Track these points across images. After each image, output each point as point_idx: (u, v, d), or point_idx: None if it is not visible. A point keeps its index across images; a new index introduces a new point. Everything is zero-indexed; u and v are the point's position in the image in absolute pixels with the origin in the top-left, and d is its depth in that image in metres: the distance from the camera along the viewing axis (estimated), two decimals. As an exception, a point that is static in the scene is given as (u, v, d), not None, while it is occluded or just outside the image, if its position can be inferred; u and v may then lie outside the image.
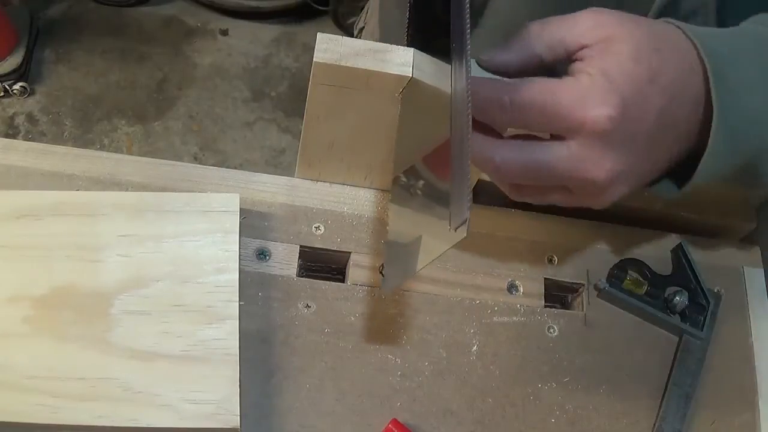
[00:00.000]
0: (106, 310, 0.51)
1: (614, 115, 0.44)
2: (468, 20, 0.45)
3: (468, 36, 0.45)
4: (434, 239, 0.51)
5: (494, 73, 0.49)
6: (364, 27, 1.00)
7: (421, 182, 0.52)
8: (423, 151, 0.57)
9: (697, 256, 0.64)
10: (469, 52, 0.45)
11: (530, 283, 0.63)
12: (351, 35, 0.94)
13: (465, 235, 0.42)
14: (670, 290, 0.62)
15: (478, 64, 0.49)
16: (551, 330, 0.61)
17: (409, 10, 0.51)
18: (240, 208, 0.56)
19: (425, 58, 0.50)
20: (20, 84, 1.79)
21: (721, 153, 0.48)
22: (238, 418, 0.49)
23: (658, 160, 0.49)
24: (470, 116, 0.43)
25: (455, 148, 0.45)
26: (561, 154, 0.46)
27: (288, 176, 0.63)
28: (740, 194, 0.71)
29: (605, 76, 0.45)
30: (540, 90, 0.45)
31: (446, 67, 0.50)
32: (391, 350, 0.58)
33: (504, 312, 0.61)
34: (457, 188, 0.44)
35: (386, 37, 0.85)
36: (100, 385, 0.48)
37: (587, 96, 0.45)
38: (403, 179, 0.52)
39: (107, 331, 0.50)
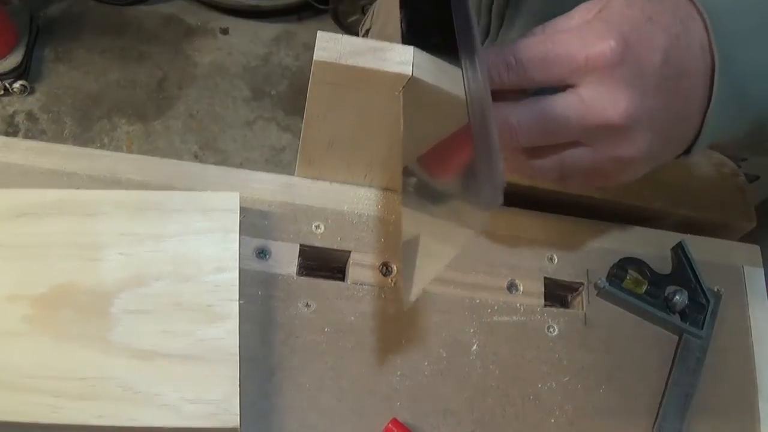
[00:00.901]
0: (105, 309, 0.51)
1: (615, 46, 0.43)
2: (471, 13, 0.45)
3: (475, 27, 0.45)
4: (445, 242, 0.50)
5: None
6: (370, 28, 0.99)
7: (424, 183, 0.52)
8: (424, 149, 0.57)
9: (697, 255, 0.64)
10: (477, 42, 0.45)
11: (530, 282, 0.63)
12: (351, 34, 0.94)
13: (498, 205, 0.41)
14: (669, 289, 0.62)
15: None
16: (551, 329, 0.61)
17: (401, 7, 0.51)
18: (240, 207, 0.56)
19: (425, 56, 0.50)
20: (20, 82, 1.79)
21: (727, 105, 0.47)
22: (238, 417, 0.49)
23: (677, 112, 0.47)
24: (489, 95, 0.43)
25: (477, 126, 0.45)
26: (571, 100, 0.45)
27: (288, 175, 0.63)
28: (740, 194, 0.71)
29: (601, 19, 0.45)
30: (540, 40, 0.46)
31: (445, 64, 0.50)
32: (391, 350, 0.57)
33: (504, 311, 0.61)
34: (485, 162, 0.43)
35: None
36: (100, 384, 0.48)
37: (586, 36, 0.44)
38: (413, 181, 0.52)
39: (107, 330, 0.50)
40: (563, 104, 0.45)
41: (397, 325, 0.58)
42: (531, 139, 0.47)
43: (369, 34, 0.99)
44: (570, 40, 0.45)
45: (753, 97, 0.48)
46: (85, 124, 1.82)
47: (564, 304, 0.65)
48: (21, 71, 1.79)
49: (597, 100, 0.45)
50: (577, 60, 0.44)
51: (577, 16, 0.48)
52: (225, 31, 2.02)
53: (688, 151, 0.50)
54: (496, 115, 0.46)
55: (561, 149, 0.48)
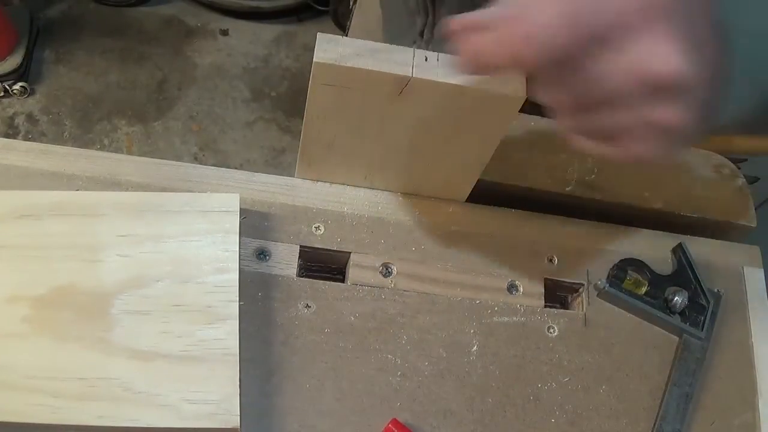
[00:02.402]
0: (106, 310, 0.51)
1: None
2: None
3: None
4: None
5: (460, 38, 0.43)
6: (350, 22, 0.99)
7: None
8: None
9: (697, 256, 0.64)
10: None
11: (530, 283, 0.63)
12: (351, 35, 0.94)
13: None
14: (670, 290, 0.62)
15: (451, 27, 0.44)
16: (551, 330, 0.61)
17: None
18: (240, 208, 0.56)
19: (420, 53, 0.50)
20: (20, 84, 1.79)
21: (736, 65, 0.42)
22: (238, 418, 0.49)
23: (720, 65, 0.41)
24: None
25: None
26: (616, 57, 0.39)
27: (288, 176, 0.63)
28: (740, 195, 0.71)
29: None
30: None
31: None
32: (391, 350, 0.58)
33: (504, 312, 0.61)
34: None
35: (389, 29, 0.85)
36: (100, 385, 0.48)
37: None
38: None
39: (107, 330, 0.50)
40: (608, 59, 0.39)
41: (397, 326, 0.58)
42: (553, 46, 0.39)
43: (350, 28, 0.98)
44: None
45: (757, 60, 0.44)
46: (85, 126, 1.82)
47: (564, 304, 0.65)
48: (21, 73, 1.79)
49: (647, 54, 0.38)
50: (619, 16, 0.38)
51: None
52: (225, 33, 2.02)
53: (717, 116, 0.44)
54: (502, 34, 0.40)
55: (597, 110, 0.42)
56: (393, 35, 0.58)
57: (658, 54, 0.38)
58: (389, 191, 0.64)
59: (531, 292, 0.62)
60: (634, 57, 0.38)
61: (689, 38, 0.39)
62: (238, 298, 0.53)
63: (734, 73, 0.42)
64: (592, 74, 0.40)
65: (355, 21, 0.98)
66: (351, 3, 1.04)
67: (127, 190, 0.59)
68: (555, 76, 0.41)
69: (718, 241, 0.68)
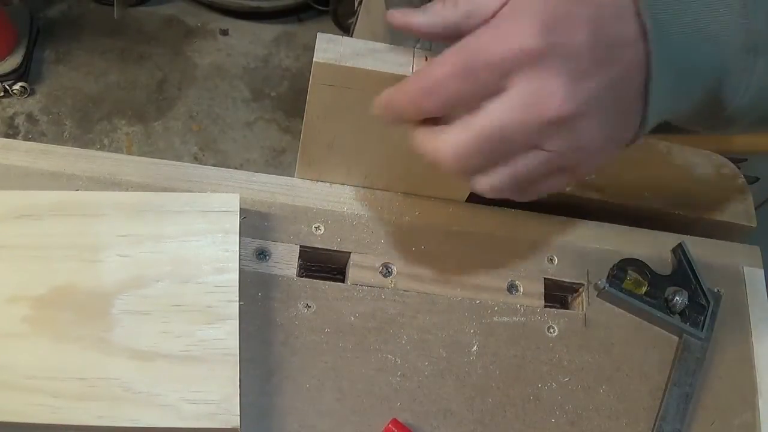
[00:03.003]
0: (106, 310, 0.51)
1: (536, 32, 0.40)
2: None
3: None
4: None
5: (402, 31, 0.46)
6: (356, 22, 0.99)
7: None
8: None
9: (697, 256, 0.64)
10: None
11: (530, 283, 0.63)
12: (351, 35, 0.94)
13: None
14: (670, 290, 0.62)
15: (389, 19, 0.46)
16: (551, 330, 0.61)
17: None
18: (240, 208, 0.56)
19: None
20: (20, 84, 1.79)
21: (670, 72, 0.43)
22: (238, 418, 0.49)
23: (619, 83, 0.43)
24: None
25: None
26: (507, 105, 0.41)
27: (288, 176, 0.63)
28: (740, 195, 0.71)
29: (512, 8, 0.42)
30: (455, 53, 0.42)
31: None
32: (391, 350, 0.58)
33: (504, 312, 0.61)
34: None
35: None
36: (100, 385, 0.48)
37: (501, 31, 0.41)
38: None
39: (107, 331, 0.50)
40: (498, 112, 0.41)
41: (397, 326, 0.58)
42: (474, 163, 0.43)
43: (355, 29, 0.98)
44: (486, 42, 0.41)
45: (699, 62, 0.44)
46: (85, 126, 1.82)
47: (564, 304, 0.65)
48: (21, 73, 1.79)
49: (534, 95, 0.41)
50: (500, 59, 0.40)
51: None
52: (225, 33, 2.02)
53: (642, 127, 0.46)
54: (427, 145, 0.44)
55: (509, 160, 0.44)
56: (398, 37, 0.58)
57: (545, 95, 0.41)
58: (389, 191, 0.64)
59: (531, 292, 0.62)
60: (524, 104, 0.41)
61: (575, 71, 0.41)
62: (238, 298, 0.53)
63: (665, 69, 0.43)
64: (489, 125, 0.42)
65: (360, 24, 0.98)
66: (356, 4, 1.04)
67: (127, 190, 0.59)
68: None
69: (718, 241, 0.68)
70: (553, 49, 0.40)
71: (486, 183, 0.45)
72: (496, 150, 0.43)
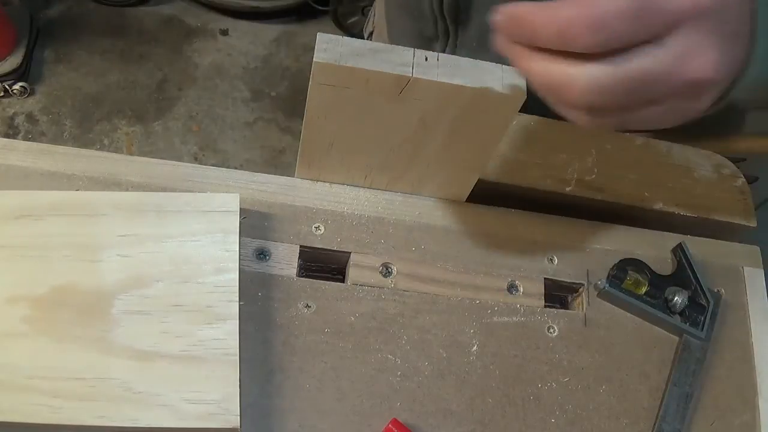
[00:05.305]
0: (106, 310, 0.51)
1: None
2: None
3: None
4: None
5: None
6: (373, 30, 0.99)
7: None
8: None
9: (697, 256, 0.64)
10: None
11: (530, 283, 0.63)
12: (351, 35, 0.94)
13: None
14: (670, 290, 0.62)
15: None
16: (551, 330, 0.61)
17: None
18: (240, 208, 0.56)
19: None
20: (20, 84, 1.79)
21: (763, 34, 0.43)
22: (238, 418, 0.49)
23: (742, 55, 0.43)
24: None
25: None
26: (662, 55, 0.40)
27: (288, 176, 0.63)
28: (740, 195, 0.71)
29: None
30: None
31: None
32: (391, 350, 0.58)
33: (504, 312, 0.61)
34: None
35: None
36: (100, 385, 0.48)
37: None
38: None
39: (107, 331, 0.50)
40: (652, 61, 0.40)
41: (397, 326, 0.58)
42: (603, 100, 0.41)
43: (372, 38, 0.99)
44: None
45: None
46: (85, 126, 1.82)
47: (564, 304, 0.65)
48: (21, 73, 1.79)
49: (689, 55, 0.40)
50: (674, 13, 0.39)
51: None
52: (225, 33, 2.02)
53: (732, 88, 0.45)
54: (561, 73, 0.41)
55: (634, 109, 0.42)
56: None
57: (700, 55, 0.40)
58: (389, 191, 0.64)
59: (531, 292, 0.62)
60: (679, 58, 0.40)
61: (725, 36, 0.40)
62: (238, 298, 0.53)
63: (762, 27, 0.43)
64: (636, 72, 0.40)
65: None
66: (365, 35, 1.04)
67: (127, 190, 0.59)
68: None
69: (718, 241, 0.68)
70: (718, 8, 0.40)
71: (595, 124, 0.43)
72: (633, 94, 0.41)
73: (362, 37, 1.00)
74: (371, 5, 1.07)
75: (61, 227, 0.53)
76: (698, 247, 0.66)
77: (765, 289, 0.66)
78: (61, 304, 0.50)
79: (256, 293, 0.57)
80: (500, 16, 0.42)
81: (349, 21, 2.02)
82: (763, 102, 0.50)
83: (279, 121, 1.92)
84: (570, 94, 0.41)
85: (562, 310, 0.63)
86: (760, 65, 0.44)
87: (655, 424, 0.59)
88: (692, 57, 0.40)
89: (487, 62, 0.50)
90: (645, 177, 0.70)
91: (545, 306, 0.62)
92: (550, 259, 0.64)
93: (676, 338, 0.62)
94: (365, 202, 0.63)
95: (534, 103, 0.49)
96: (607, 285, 0.62)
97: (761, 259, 0.68)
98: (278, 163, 1.86)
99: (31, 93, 1.84)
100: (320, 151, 0.59)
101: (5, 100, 1.81)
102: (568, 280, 0.64)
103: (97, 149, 1.19)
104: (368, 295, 0.59)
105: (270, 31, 2.07)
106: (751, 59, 0.43)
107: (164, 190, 0.59)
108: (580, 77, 0.40)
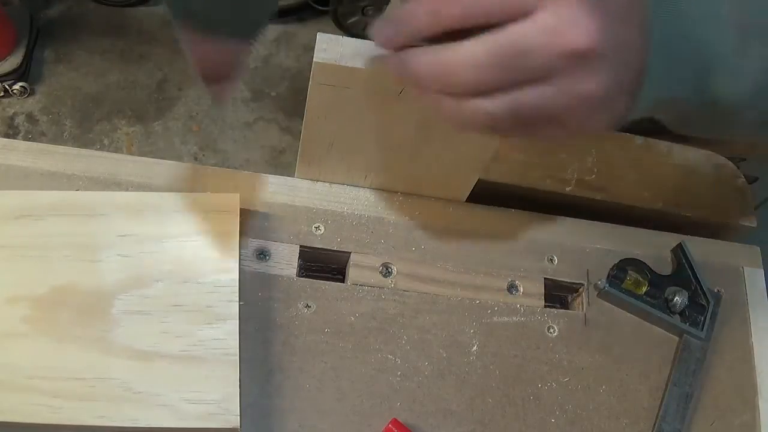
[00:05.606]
0: (106, 310, 0.51)
1: None
2: None
3: None
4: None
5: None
6: None
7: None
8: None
9: (697, 256, 0.64)
10: None
11: (530, 283, 0.63)
12: (351, 35, 0.93)
13: None
14: (670, 290, 0.62)
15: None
16: (551, 330, 0.61)
17: None
18: (240, 208, 0.56)
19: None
20: (20, 84, 1.78)
21: (666, 49, 0.43)
22: (238, 418, 0.49)
23: (633, 43, 0.42)
24: None
25: None
26: (533, 26, 0.40)
27: (288, 176, 0.63)
28: (740, 195, 0.71)
29: None
30: None
31: None
32: (391, 350, 0.57)
33: (504, 312, 0.61)
34: None
35: None
36: (100, 385, 0.48)
37: None
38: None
39: (107, 331, 0.50)
40: (523, 33, 0.40)
41: (397, 326, 0.58)
42: (484, 78, 0.41)
43: None
44: None
45: (695, 43, 0.44)
46: (85, 126, 1.82)
47: (564, 304, 0.65)
48: (21, 73, 1.78)
49: (562, 26, 0.39)
50: None
51: None
52: (225, 33, 2.01)
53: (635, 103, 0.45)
54: (437, 58, 0.41)
55: (516, 86, 0.41)
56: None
57: (574, 25, 0.39)
58: (389, 191, 0.64)
59: (531, 292, 0.62)
60: (551, 29, 0.40)
61: (604, 11, 0.40)
62: (238, 298, 0.53)
63: (663, 43, 0.43)
64: (506, 41, 0.40)
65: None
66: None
67: (127, 190, 0.59)
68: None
69: (718, 241, 0.68)
70: None
71: (486, 107, 0.42)
72: (511, 67, 0.40)
73: (362, 38, 0.99)
74: (372, 6, 1.06)
75: (61, 227, 0.53)
76: (698, 247, 0.66)
77: (765, 289, 0.66)
78: (61, 304, 0.50)
79: (256, 293, 0.57)
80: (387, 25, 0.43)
81: (349, 21, 2.01)
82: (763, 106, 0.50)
83: (279, 121, 1.92)
84: (455, 74, 0.41)
85: (562, 310, 0.63)
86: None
87: (655, 424, 0.59)
88: (567, 27, 0.39)
89: None
90: (645, 177, 0.70)
91: (545, 306, 0.62)
92: (550, 259, 0.64)
93: (676, 338, 0.62)
94: (365, 202, 0.63)
95: None
96: (607, 285, 0.62)
97: (761, 259, 0.68)
98: (278, 163, 1.86)
99: (31, 93, 1.83)
100: (320, 151, 0.59)
101: (5, 100, 1.81)
102: (568, 280, 0.64)
103: (97, 149, 1.18)
104: (368, 295, 0.59)
105: (270, 31, 2.06)
106: (650, 49, 0.42)
107: (164, 190, 0.59)
108: (456, 56, 0.41)
